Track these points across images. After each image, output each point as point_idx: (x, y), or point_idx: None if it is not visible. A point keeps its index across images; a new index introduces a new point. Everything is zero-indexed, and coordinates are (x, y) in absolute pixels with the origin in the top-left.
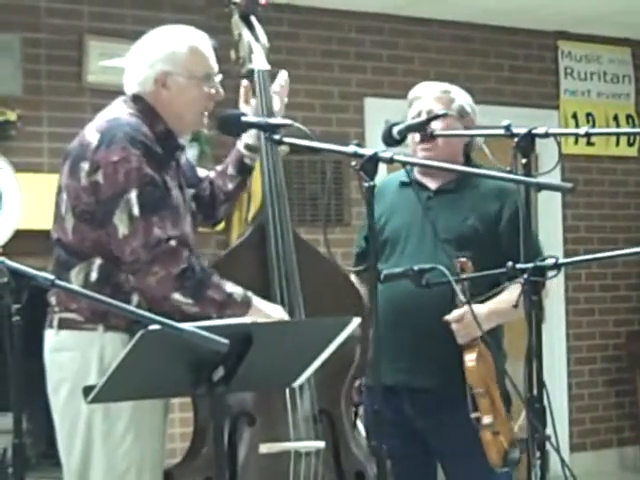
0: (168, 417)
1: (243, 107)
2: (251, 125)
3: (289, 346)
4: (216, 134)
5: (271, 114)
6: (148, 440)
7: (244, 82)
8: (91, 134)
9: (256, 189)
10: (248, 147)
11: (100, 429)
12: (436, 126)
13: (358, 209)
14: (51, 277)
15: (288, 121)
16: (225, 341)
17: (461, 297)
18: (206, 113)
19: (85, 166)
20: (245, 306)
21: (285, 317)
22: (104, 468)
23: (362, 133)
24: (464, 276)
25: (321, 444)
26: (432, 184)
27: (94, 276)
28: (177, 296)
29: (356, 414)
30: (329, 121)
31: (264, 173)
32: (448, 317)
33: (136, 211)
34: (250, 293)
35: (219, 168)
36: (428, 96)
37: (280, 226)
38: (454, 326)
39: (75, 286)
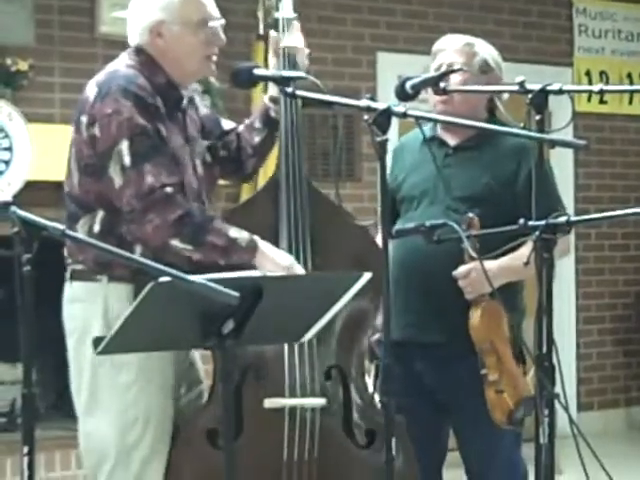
0: (187, 367)
1: (271, 59)
2: (263, 78)
3: (299, 300)
4: (228, 87)
5: (294, 65)
6: (155, 391)
7: (272, 33)
8: (91, 88)
9: None
10: (273, 99)
11: (105, 380)
12: (454, 80)
13: (369, 164)
14: (61, 227)
15: (301, 74)
16: (235, 294)
17: (471, 253)
18: (214, 58)
19: (84, 119)
20: (251, 251)
21: (293, 264)
22: (110, 419)
23: (374, 88)
24: (475, 232)
25: (322, 401)
26: (452, 140)
27: (97, 228)
28: (176, 242)
29: (378, 367)
30: (341, 75)
31: (281, 125)
32: (455, 273)
33: (127, 161)
34: (257, 237)
35: (247, 121)
36: (450, 49)
37: (293, 177)
38: (461, 282)
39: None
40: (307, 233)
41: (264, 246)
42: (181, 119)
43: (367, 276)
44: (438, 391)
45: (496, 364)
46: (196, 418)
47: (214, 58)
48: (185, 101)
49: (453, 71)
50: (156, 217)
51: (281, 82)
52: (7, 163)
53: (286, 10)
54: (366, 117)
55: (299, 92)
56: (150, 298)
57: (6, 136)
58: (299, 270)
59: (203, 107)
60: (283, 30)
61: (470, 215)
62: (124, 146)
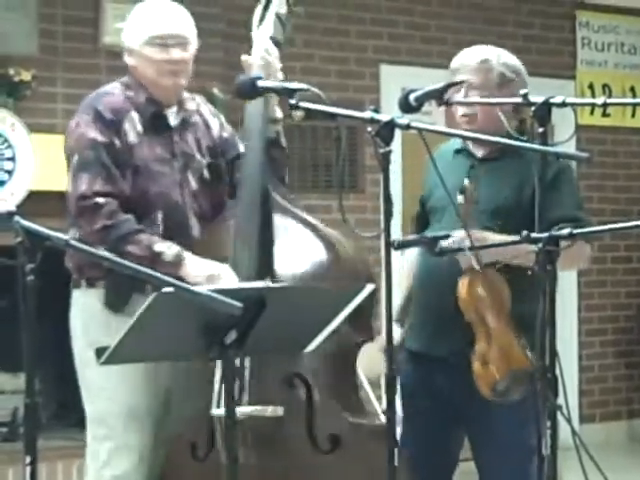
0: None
1: None
2: (267, 89)
3: (302, 311)
4: (231, 98)
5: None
6: (128, 391)
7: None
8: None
9: None
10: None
11: (86, 379)
12: (473, 94)
13: (372, 176)
14: (65, 237)
15: (304, 86)
16: (238, 304)
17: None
18: (180, 74)
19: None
20: (176, 265)
21: (218, 274)
22: (89, 410)
23: (377, 100)
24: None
25: (279, 410)
26: (479, 152)
27: (77, 236)
28: (103, 249)
29: None
30: (345, 87)
31: (247, 133)
32: (448, 241)
33: (74, 172)
34: (186, 254)
35: None
36: (465, 68)
37: (249, 189)
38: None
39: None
40: (254, 242)
41: (190, 260)
42: (168, 135)
43: (370, 288)
44: (453, 400)
45: (485, 336)
46: (182, 432)
47: (181, 74)
48: (175, 120)
49: (455, 84)
50: (85, 224)
51: (284, 94)
52: (10, 173)
53: (264, 30)
54: (370, 129)
55: (303, 104)
56: (153, 308)
57: (9, 146)
58: (225, 279)
59: (221, 129)
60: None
61: (466, 183)
62: (75, 158)
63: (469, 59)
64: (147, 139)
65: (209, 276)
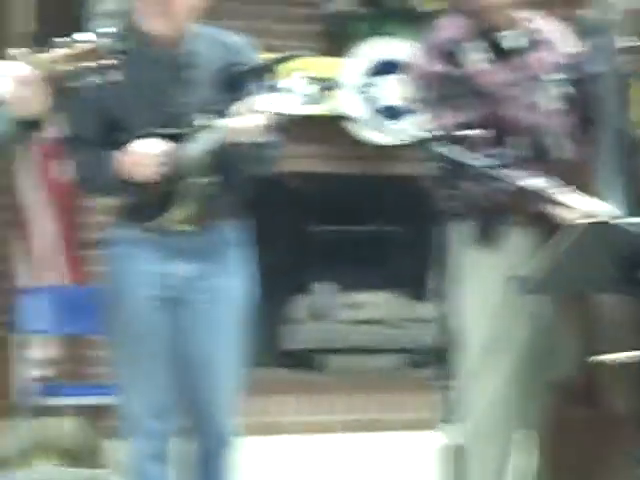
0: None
1: None
2: None
3: None
4: None
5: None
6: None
7: None
8: None
9: None
10: None
11: None
12: None
13: None
14: (483, 162)
15: None
16: None
17: None
18: None
19: None
20: (542, 199)
21: (595, 211)
22: None
23: None
24: None
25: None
26: None
27: None
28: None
29: None
30: None
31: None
32: None
33: (427, 108)
34: (554, 188)
35: None
36: None
37: (609, 134)
38: None
39: None
40: (619, 189)
41: (561, 195)
42: (508, 59)
43: None
44: None
45: None
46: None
47: None
48: (513, 43)
49: None
50: None
51: None
52: None
53: None
54: None
55: None
56: (582, 239)
57: None
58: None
59: (570, 45)
60: None
61: None
62: (420, 93)
63: None
64: (487, 66)
65: (587, 214)
